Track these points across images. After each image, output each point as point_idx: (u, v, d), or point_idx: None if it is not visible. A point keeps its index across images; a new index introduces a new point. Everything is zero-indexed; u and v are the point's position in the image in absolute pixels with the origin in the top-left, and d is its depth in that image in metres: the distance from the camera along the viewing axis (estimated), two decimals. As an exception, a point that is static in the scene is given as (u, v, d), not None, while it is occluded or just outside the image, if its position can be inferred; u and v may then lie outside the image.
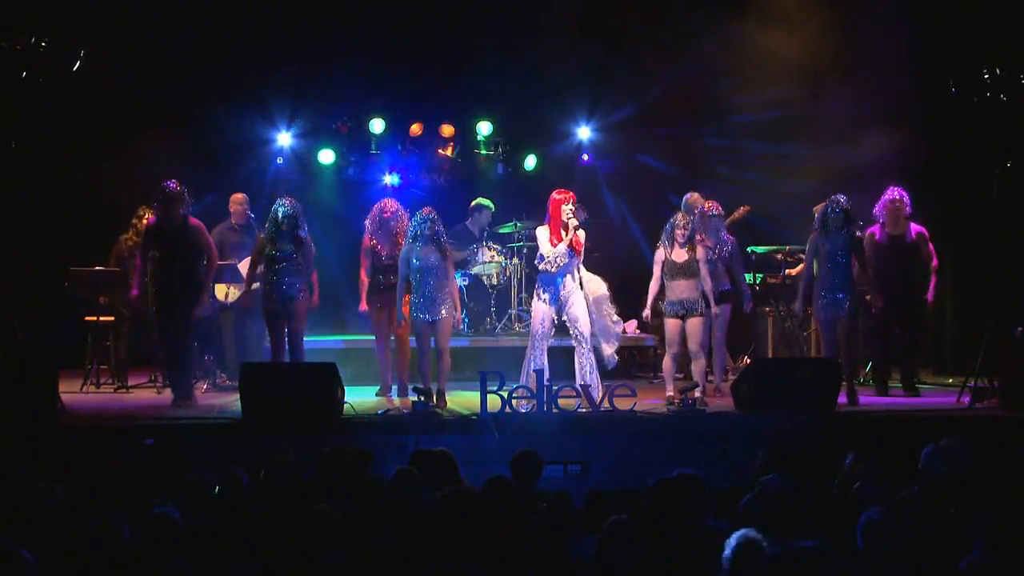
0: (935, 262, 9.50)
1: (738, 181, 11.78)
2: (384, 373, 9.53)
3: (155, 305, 9.00)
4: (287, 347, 8.79)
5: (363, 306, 9.41)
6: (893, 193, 9.38)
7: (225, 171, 11.61)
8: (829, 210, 8.93)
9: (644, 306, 9.00)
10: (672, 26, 11.58)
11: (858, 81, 11.04)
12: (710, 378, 9.36)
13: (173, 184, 8.81)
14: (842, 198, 8.95)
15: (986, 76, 8.95)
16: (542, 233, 8.79)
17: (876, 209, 9.47)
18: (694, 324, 8.79)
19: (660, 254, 8.90)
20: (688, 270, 8.79)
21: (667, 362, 8.95)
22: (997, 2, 10.25)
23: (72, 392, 9.26)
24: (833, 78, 11.10)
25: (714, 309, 8.92)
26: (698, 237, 9.02)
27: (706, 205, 9.45)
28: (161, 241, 8.85)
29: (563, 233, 8.66)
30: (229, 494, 5.48)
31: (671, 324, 8.86)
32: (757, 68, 11.31)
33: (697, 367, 8.90)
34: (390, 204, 9.48)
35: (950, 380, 9.95)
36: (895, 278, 9.38)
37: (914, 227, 9.48)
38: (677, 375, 9.33)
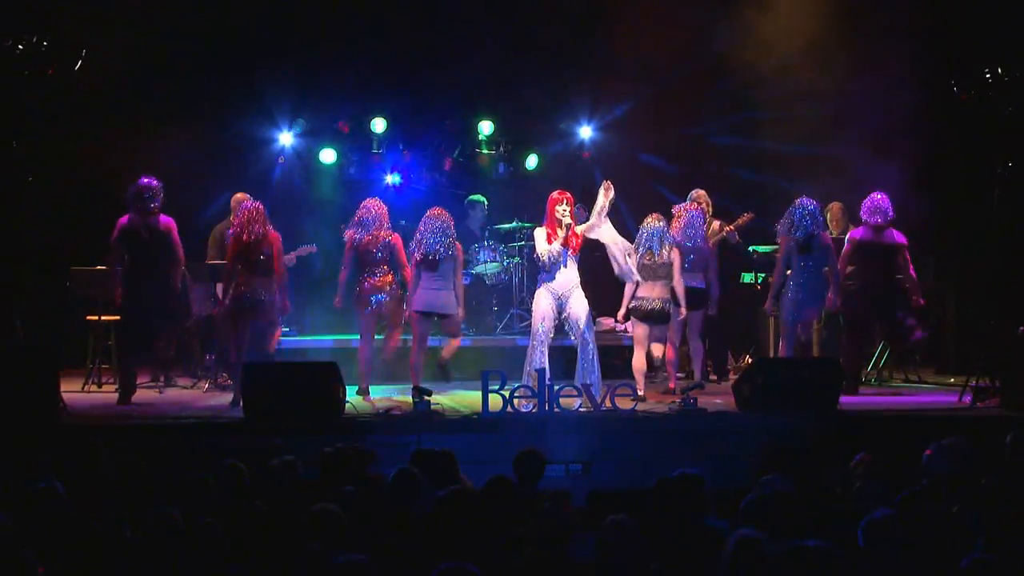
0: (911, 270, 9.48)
1: (741, 179, 11.81)
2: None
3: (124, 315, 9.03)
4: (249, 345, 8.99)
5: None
6: (881, 199, 9.36)
7: (227, 170, 11.61)
8: (797, 214, 9.05)
9: None
10: (674, 22, 11.57)
11: (859, 82, 11.05)
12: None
13: (146, 180, 8.78)
14: (808, 201, 9.10)
15: (987, 76, 8.94)
16: (539, 233, 8.82)
17: (862, 212, 9.47)
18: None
19: None
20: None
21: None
22: (997, 2, 10.25)
23: (73, 392, 9.26)
24: (834, 78, 11.10)
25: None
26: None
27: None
28: (132, 245, 8.84)
29: (558, 232, 8.69)
30: (229, 488, 5.49)
31: None
32: (759, 66, 11.30)
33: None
34: (372, 204, 9.42)
35: (952, 380, 9.95)
36: (880, 278, 9.42)
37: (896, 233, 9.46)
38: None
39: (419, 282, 9.12)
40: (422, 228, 9.18)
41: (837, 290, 9.17)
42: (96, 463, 5.93)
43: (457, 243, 9.32)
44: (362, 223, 9.25)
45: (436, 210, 9.31)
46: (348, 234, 9.31)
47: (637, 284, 9.03)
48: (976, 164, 10.15)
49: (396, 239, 9.29)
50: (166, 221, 8.97)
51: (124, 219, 8.89)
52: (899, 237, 9.37)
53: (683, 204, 9.76)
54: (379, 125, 12.37)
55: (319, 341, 10.84)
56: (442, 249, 9.08)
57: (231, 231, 9.17)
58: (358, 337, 9.42)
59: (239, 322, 8.96)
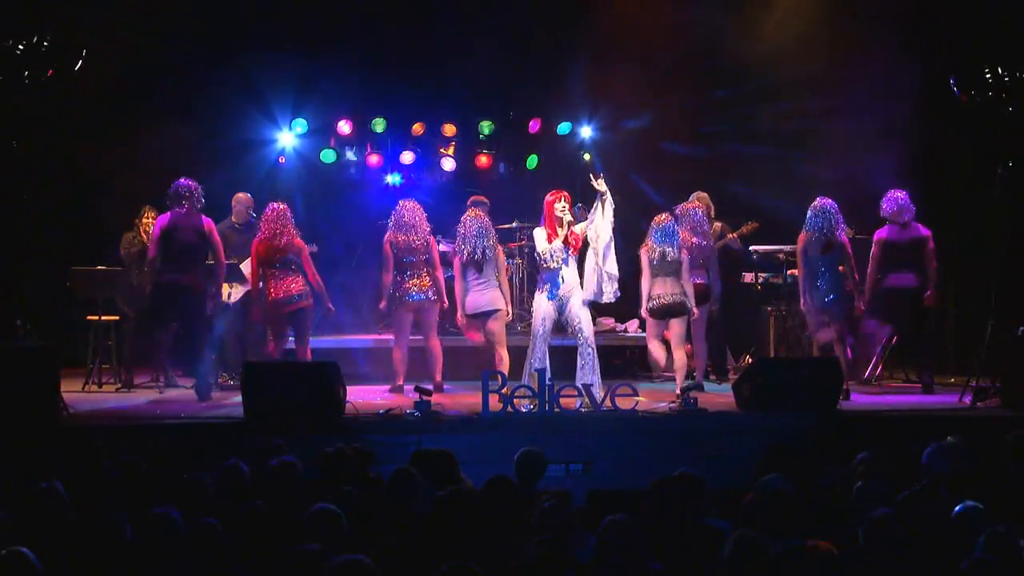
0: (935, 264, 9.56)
1: (740, 178, 11.81)
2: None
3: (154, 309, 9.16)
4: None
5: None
6: (902, 197, 9.43)
7: (227, 170, 11.61)
8: (821, 216, 9.08)
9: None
10: (674, 20, 11.56)
11: (859, 82, 11.04)
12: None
13: (185, 181, 8.94)
14: (830, 203, 9.15)
15: (987, 76, 8.93)
16: (539, 233, 8.83)
17: (885, 210, 9.50)
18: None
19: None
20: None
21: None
22: (997, 2, 10.25)
23: (74, 391, 9.26)
24: (834, 79, 11.09)
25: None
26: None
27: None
28: (173, 244, 8.89)
29: (558, 230, 8.70)
30: (229, 488, 5.49)
31: None
32: (758, 60, 11.29)
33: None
34: (408, 205, 9.56)
35: (952, 380, 9.95)
36: (911, 276, 9.45)
37: (920, 226, 9.54)
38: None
39: (465, 284, 9.22)
40: (462, 230, 9.24)
41: (861, 292, 9.22)
42: (96, 463, 5.92)
43: (498, 244, 9.38)
44: (398, 225, 9.34)
45: (473, 211, 9.45)
46: (387, 237, 9.42)
47: (653, 284, 9.08)
48: (976, 164, 10.15)
49: (432, 240, 9.47)
50: (208, 222, 9.10)
51: (164, 218, 9.01)
52: (923, 230, 9.49)
53: (684, 204, 9.77)
54: (379, 125, 12.39)
55: (320, 341, 10.83)
56: (486, 251, 9.18)
57: (258, 236, 9.31)
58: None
59: (283, 325, 9.24)
